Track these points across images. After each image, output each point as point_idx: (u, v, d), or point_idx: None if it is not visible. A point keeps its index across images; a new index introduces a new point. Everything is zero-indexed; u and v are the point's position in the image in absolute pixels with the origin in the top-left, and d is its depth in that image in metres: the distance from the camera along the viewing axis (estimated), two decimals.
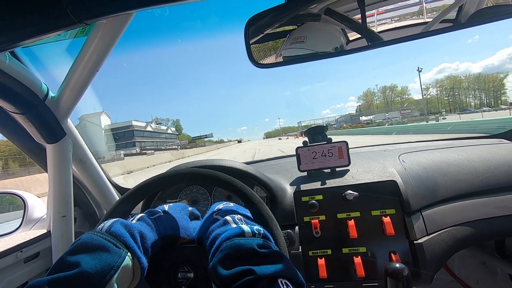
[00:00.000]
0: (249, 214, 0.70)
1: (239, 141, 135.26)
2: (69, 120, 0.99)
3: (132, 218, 0.65)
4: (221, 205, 0.74)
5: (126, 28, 0.72)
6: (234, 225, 0.61)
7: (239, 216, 0.65)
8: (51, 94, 0.88)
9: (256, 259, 0.51)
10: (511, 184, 1.01)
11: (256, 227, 0.60)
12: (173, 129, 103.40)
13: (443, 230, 0.93)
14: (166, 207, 0.77)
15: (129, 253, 0.54)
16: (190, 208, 0.84)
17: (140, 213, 0.69)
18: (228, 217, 0.64)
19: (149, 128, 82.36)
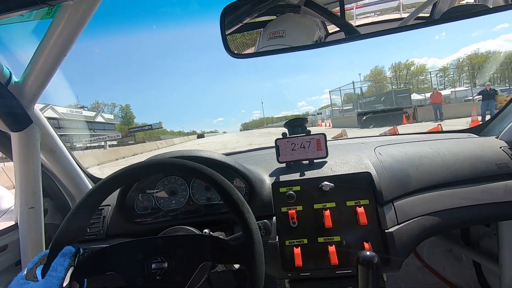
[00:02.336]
0: None
1: (200, 136, 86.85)
2: (36, 107, 0.94)
3: None
4: None
5: (95, 11, 0.68)
6: None
7: None
8: (14, 79, 0.83)
9: None
10: (476, 176, 1.07)
11: None
12: (110, 116, 69.84)
13: (412, 220, 0.97)
14: None
15: None
16: (25, 272, 0.66)
17: None
18: None
19: (49, 114, 43.54)
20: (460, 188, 1.05)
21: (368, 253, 0.74)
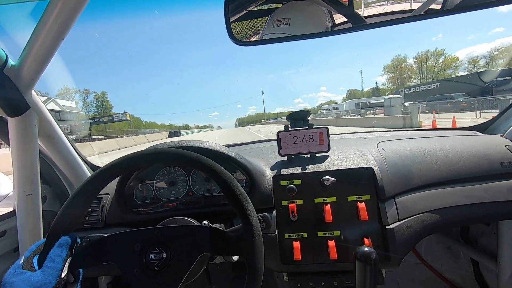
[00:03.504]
0: None
1: (174, 133, 59.63)
2: (33, 92, 0.91)
3: None
4: None
5: None
6: None
7: None
8: (11, 62, 0.80)
9: None
10: (480, 174, 1.06)
11: None
12: (69, 103, 47.05)
13: (413, 216, 0.97)
14: None
15: None
16: (21, 261, 0.65)
17: None
18: None
19: None
20: (463, 186, 1.04)
21: (366, 248, 0.74)
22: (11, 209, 1.14)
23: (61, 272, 0.61)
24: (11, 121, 0.89)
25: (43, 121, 0.99)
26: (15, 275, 0.60)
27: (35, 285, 0.57)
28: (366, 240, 0.92)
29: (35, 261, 0.63)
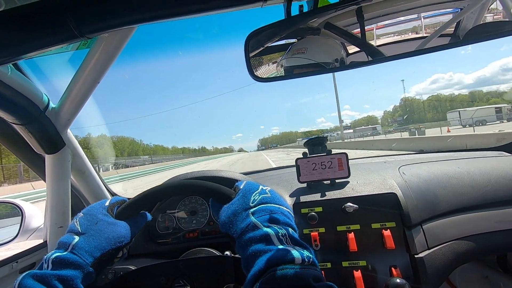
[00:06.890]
0: (290, 220, 0.63)
1: None
2: (69, 130, 0.99)
3: (46, 264, 0.57)
4: (256, 195, 0.65)
5: (128, 42, 0.72)
6: (279, 245, 0.54)
7: (283, 231, 0.57)
8: (51, 105, 0.89)
9: None
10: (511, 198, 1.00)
11: (306, 253, 0.53)
12: None
13: (444, 244, 0.92)
14: (77, 225, 0.64)
15: None
16: (107, 203, 0.72)
17: (52, 251, 0.60)
18: (270, 231, 0.56)
19: None
20: (495, 211, 0.99)
21: (398, 280, 0.71)
22: (41, 241, 1.19)
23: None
24: (48, 158, 0.96)
25: (76, 157, 1.06)
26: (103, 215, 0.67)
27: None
28: (394, 270, 0.88)
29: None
